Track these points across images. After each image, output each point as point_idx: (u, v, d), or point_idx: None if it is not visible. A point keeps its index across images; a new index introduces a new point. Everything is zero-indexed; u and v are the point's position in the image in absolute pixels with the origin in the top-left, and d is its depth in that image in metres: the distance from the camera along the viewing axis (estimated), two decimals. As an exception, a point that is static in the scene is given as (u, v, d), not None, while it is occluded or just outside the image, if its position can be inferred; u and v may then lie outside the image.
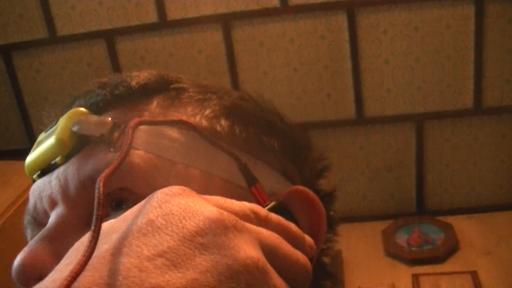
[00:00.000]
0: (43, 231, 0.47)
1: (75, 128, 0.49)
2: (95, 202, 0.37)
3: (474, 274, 2.21)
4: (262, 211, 0.41)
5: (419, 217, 2.55)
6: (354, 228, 2.50)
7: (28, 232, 0.52)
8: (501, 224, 2.46)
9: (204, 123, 0.50)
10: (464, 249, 2.36)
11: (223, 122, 0.51)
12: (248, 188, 0.48)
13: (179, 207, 0.37)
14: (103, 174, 0.39)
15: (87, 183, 0.47)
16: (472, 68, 2.31)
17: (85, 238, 0.37)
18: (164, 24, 2.37)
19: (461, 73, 2.33)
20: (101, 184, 0.38)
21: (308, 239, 0.44)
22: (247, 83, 2.41)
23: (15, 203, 1.79)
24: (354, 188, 2.58)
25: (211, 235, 0.35)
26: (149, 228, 0.36)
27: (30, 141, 2.63)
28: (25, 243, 0.48)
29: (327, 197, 0.57)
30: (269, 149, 0.52)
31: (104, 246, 0.36)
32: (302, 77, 2.40)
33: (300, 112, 2.43)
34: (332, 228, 0.57)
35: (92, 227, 0.36)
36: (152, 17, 2.37)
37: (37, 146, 0.52)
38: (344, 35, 2.32)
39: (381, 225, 2.52)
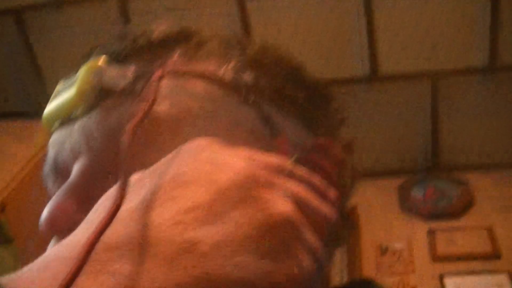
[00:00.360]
0: (68, 183, 0.46)
1: (96, 80, 0.48)
2: (122, 154, 0.37)
3: (489, 230, 2.22)
4: (288, 163, 0.40)
5: (435, 173, 2.55)
6: (369, 185, 2.49)
7: (49, 183, 0.51)
8: (517, 180, 2.45)
9: (228, 74, 0.49)
10: (479, 205, 2.36)
11: (247, 73, 0.50)
12: (272, 140, 0.47)
13: (208, 160, 0.36)
14: (129, 125, 0.39)
15: (111, 135, 0.46)
16: (488, 25, 2.27)
17: (112, 191, 0.36)
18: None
19: (477, 30, 2.29)
20: (127, 136, 0.38)
21: (333, 190, 0.43)
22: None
23: (31, 160, 1.81)
24: (369, 145, 2.56)
25: (244, 189, 0.35)
26: (180, 181, 0.35)
27: (46, 102, 2.63)
28: (44, 199, 0.47)
29: (347, 147, 0.57)
30: (293, 100, 0.51)
31: (133, 199, 0.35)
32: (315, 34, 2.37)
33: (314, 69, 2.40)
34: (352, 179, 0.57)
35: (120, 180, 0.35)
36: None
37: (56, 96, 0.52)
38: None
39: (396, 181, 2.52)
